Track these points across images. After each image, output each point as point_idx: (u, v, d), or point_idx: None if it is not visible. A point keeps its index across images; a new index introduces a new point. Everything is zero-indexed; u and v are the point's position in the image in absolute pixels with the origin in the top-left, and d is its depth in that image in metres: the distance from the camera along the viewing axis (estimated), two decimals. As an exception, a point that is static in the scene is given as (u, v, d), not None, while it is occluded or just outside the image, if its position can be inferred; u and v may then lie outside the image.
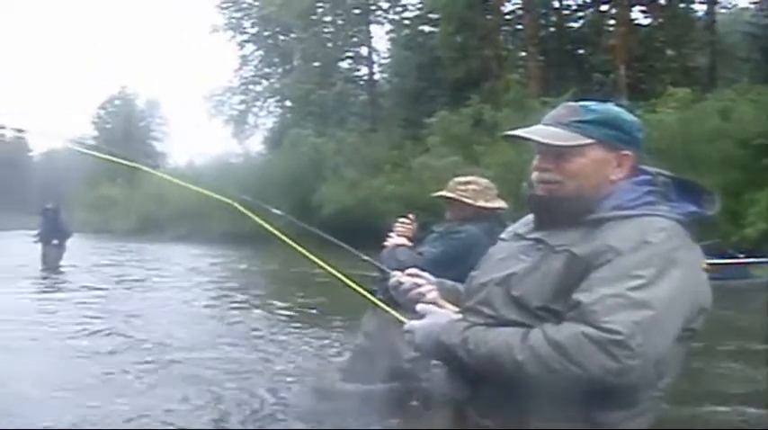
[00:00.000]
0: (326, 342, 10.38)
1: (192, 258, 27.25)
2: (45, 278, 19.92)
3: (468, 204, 6.04)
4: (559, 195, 2.45)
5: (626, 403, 2.29)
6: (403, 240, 6.21)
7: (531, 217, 2.65)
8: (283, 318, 12.99)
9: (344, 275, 3.27)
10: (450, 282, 2.87)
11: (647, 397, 2.32)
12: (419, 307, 2.60)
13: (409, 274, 2.82)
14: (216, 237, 40.01)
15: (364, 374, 6.54)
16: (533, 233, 2.53)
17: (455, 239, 5.93)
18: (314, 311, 13.43)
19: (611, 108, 2.52)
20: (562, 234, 2.39)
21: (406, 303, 2.77)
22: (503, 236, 2.79)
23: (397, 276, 2.83)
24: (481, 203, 6.04)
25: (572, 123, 2.45)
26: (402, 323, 2.74)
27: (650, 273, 2.17)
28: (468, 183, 6.16)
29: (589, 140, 2.43)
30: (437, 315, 2.55)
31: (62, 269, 21.65)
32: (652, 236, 2.25)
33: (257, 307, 14.58)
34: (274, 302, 14.86)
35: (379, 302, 3.36)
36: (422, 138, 37.96)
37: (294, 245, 3.31)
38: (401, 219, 6.36)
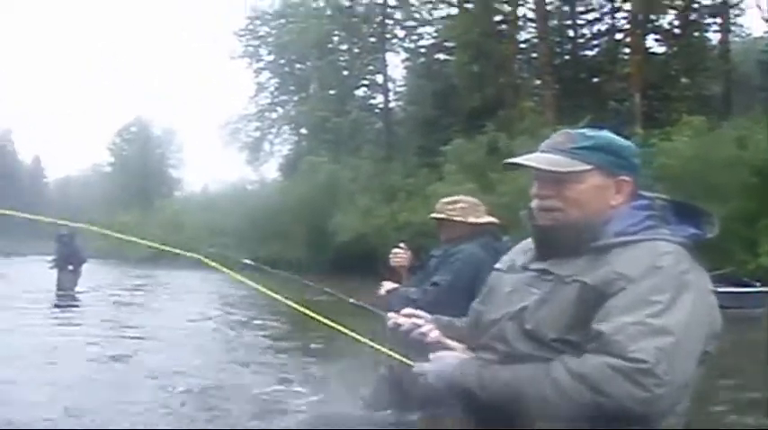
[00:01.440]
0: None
1: (204, 284, 27.16)
2: (60, 303, 19.92)
3: (459, 222, 6.00)
4: (563, 223, 2.44)
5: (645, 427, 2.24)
6: (393, 285, 6.14)
7: (526, 245, 2.65)
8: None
9: (340, 324, 3.28)
10: (445, 318, 2.85)
11: (668, 423, 2.29)
12: (431, 356, 2.57)
13: (405, 315, 2.77)
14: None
15: (389, 403, 6.53)
16: (537, 263, 2.51)
17: (458, 260, 5.87)
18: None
19: (605, 134, 2.53)
20: (568, 263, 2.38)
21: (407, 345, 2.75)
22: (499, 266, 2.77)
23: (393, 318, 2.78)
24: (471, 220, 6.01)
25: (569, 150, 2.45)
26: (409, 365, 2.74)
27: (666, 298, 2.17)
28: (456, 202, 6.13)
29: (587, 166, 2.43)
30: (447, 356, 2.55)
31: (77, 294, 21.69)
32: (661, 260, 2.25)
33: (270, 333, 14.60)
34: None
35: (377, 346, 3.37)
36: (437, 166, 37.94)
37: (276, 296, 3.31)
38: (394, 250, 6.36)
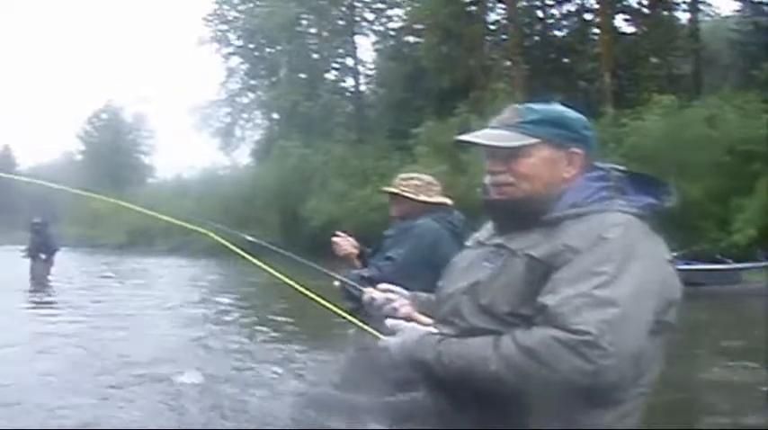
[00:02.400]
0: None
1: (179, 270, 27.12)
2: (33, 291, 19.82)
3: (409, 199, 6.02)
4: (514, 197, 2.46)
5: (611, 403, 2.28)
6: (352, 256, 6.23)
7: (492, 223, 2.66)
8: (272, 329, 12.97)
9: (321, 297, 3.27)
10: (424, 295, 2.85)
11: (631, 395, 2.32)
12: (388, 322, 2.59)
13: (382, 289, 2.80)
14: (205, 250, 39.93)
15: (358, 385, 6.53)
16: (494, 239, 2.53)
17: (414, 235, 5.88)
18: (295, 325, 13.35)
19: (554, 107, 2.58)
20: (522, 237, 2.40)
21: (381, 319, 2.74)
22: (468, 243, 2.80)
23: (369, 292, 2.82)
24: (422, 198, 6.01)
25: (516, 124, 2.49)
26: (377, 337, 2.74)
27: (611, 269, 2.18)
28: (411, 178, 6.16)
29: (533, 140, 2.46)
30: (409, 330, 2.53)
31: (50, 283, 21.57)
32: (608, 231, 2.26)
33: (244, 317, 14.59)
34: (263, 315, 14.84)
35: (352, 318, 3.37)
36: (409, 149, 37.97)
37: (269, 269, 3.31)
38: (333, 239, 6.33)
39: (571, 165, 2.47)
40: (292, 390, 7.81)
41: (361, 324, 3.05)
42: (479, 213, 2.79)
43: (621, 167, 2.52)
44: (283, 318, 13.71)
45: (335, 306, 3.41)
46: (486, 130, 2.56)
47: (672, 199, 2.44)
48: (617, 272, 2.17)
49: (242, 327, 13.48)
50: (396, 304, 2.71)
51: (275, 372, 9.04)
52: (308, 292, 3.26)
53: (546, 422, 2.25)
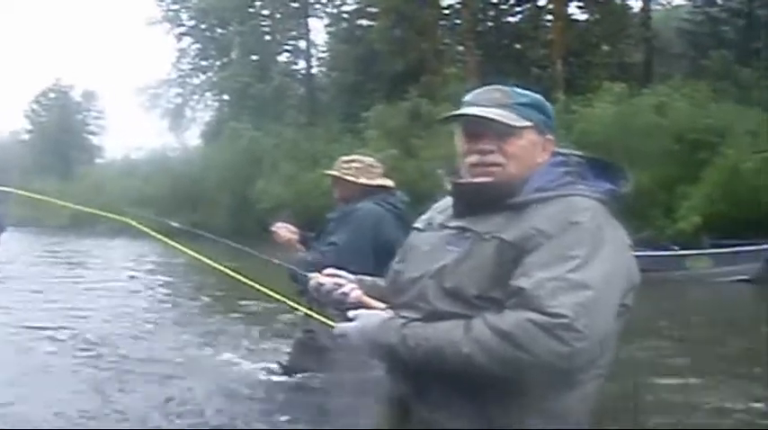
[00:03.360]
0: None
1: (124, 250, 26.91)
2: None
3: (351, 182, 6.14)
4: (501, 179, 2.43)
5: (572, 385, 2.29)
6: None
7: (444, 204, 2.64)
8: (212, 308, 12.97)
9: (264, 286, 3.25)
10: (369, 278, 2.82)
11: (591, 376, 2.33)
12: (351, 314, 2.52)
13: (328, 274, 2.74)
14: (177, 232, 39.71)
15: (307, 367, 6.57)
16: (455, 221, 2.50)
17: (356, 218, 5.98)
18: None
19: (537, 94, 2.56)
20: (487, 220, 2.38)
21: (330, 305, 2.73)
22: (417, 225, 2.74)
23: (315, 278, 2.74)
24: (363, 181, 6.14)
25: (512, 105, 2.46)
26: (331, 327, 2.70)
27: (583, 253, 2.19)
28: (352, 161, 6.29)
29: (527, 122, 2.44)
30: (368, 315, 2.50)
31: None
32: (578, 216, 2.27)
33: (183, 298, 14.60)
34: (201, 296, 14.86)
35: (301, 307, 3.36)
36: (360, 132, 37.96)
37: (202, 258, 3.27)
38: (272, 228, 6.38)
39: (545, 151, 2.49)
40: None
41: (306, 310, 3.02)
42: (431, 196, 2.77)
43: (579, 153, 2.54)
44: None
45: (276, 292, 3.37)
46: (481, 108, 2.47)
47: (628, 185, 2.47)
48: (588, 256, 2.19)
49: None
50: (345, 289, 2.65)
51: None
52: (242, 278, 3.22)
53: (510, 405, 2.27)
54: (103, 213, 3.73)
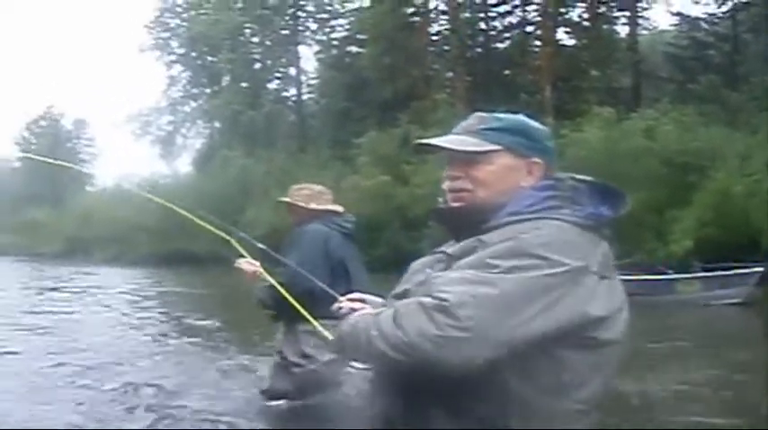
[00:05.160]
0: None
1: (117, 279, 26.88)
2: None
3: (301, 207, 6.68)
4: (470, 204, 2.42)
5: (540, 415, 2.17)
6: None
7: None
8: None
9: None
10: (380, 300, 2.76)
11: (563, 409, 2.19)
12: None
13: (350, 299, 2.69)
14: (143, 259, 39.62)
15: (284, 390, 6.69)
16: (445, 246, 2.48)
17: (302, 241, 6.43)
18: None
19: (518, 117, 2.53)
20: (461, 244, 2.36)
21: None
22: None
23: (338, 302, 2.69)
24: (312, 206, 6.68)
25: (480, 131, 2.45)
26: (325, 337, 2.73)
27: (507, 264, 2.10)
28: (302, 188, 6.86)
29: (496, 147, 2.41)
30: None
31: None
32: (524, 233, 2.18)
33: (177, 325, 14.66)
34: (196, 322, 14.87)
35: (310, 318, 3.43)
36: (351, 159, 38.03)
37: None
38: (236, 265, 6.42)
39: (531, 175, 2.43)
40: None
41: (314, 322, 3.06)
42: (423, 221, 2.79)
43: (579, 176, 2.47)
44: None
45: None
46: (451, 136, 2.51)
47: (624, 208, 2.40)
48: (513, 268, 2.08)
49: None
50: (359, 312, 2.50)
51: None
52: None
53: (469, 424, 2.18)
54: (209, 226, 3.86)
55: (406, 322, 2.05)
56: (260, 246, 5.54)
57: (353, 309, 2.54)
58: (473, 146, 2.42)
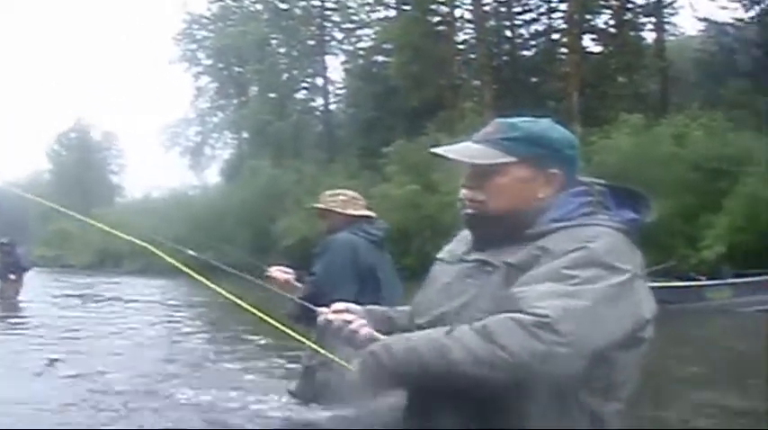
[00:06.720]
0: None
1: (147, 289, 26.95)
2: (3, 312, 19.69)
3: (339, 213, 6.58)
4: (484, 214, 2.40)
5: (582, 408, 2.21)
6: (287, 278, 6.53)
7: (465, 235, 2.59)
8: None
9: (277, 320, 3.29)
10: (379, 309, 2.74)
11: (609, 411, 2.26)
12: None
13: (336, 311, 2.56)
14: (171, 270, 39.72)
15: (314, 394, 6.72)
16: (475, 254, 2.45)
17: (330, 250, 6.40)
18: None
19: (539, 124, 2.46)
20: (503, 252, 2.33)
21: (340, 343, 2.55)
22: (440, 256, 2.68)
23: (324, 315, 2.56)
24: (350, 211, 6.60)
25: (496, 140, 2.40)
26: (343, 366, 2.68)
27: (586, 274, 2.11)
28: (337, 194, 6.76)
29: (511, 158, 2.37)
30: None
31: (20, 302, 21.46)
32: (590, 241, 2.19)
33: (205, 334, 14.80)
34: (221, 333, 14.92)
35: (307, 341, 3.45)
36: (379, 168, 38.07)
37: (219, 290, 3.29)
38: (267, 274, 6.53)
39: (548, 185, 2.39)
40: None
41: (329, 354, 3.03)
42: (452, 229, 2.77)
43: (603, 181, 2.46)
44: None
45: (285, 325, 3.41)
46: (467, 144, 2.48)
47: (651, 213, 2.41)
48: (590, 279, 2.10)
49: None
50: (354, 326, 2.47)
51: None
52: (258, 313, 3.24)
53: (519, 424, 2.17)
54: (125, 236, 3.77)
55: (507, 341, 2.00)
56: (190, 252, 5.32)
57: (347, 322, 2.49)
58: (487, 158, 2.39)
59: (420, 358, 2.12)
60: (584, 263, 2.14)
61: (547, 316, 1.99)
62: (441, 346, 2.09)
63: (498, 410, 2.16)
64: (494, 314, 2.12)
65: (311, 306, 2.68)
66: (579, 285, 2.09)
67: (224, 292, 3.19)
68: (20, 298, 21.88)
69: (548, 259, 2.19)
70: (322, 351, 3.34)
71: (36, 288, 25.78)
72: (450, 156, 2.47)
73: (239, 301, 3.16)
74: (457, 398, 2.18)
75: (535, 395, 2.11)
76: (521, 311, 2.03)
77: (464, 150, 2.46)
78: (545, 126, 2.46)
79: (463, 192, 2.47)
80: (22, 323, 17.57)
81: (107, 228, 4.03)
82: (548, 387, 2.09)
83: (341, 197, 6.72)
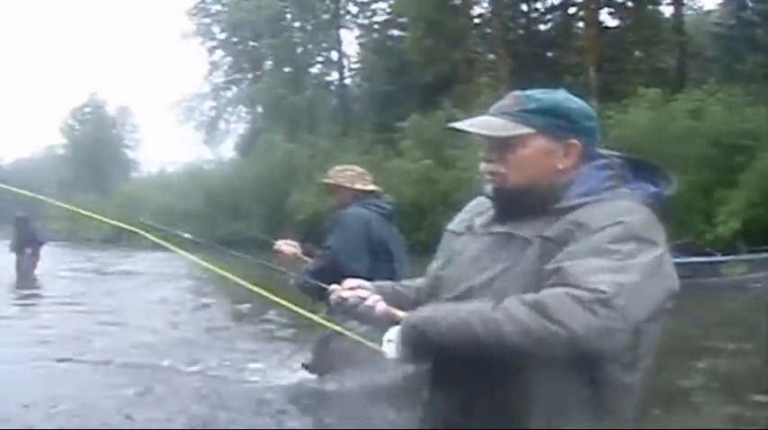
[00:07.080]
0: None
1: (161, 263, 27.02)
2: (19, 286, 19.83)
3: (348, 188, 6.75)
4: (505, 187, 2.41)
5: (612, 380, 2.27)
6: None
7: (479, 206, 2.62)
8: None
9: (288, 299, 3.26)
10: (387, 284, 2.74)
11: (637, 379, 2.33)
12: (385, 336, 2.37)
13: (350, 287, 2.54)
14: (186, 243, 39.78)
15: (329, 365, 6.75)
16: (498, 226, 2.44)
17: (343, 224, 6.54)
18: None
19: (556, 96, 2.46)
20: (530, 224, 2.33)
21: (355, 319, 2.54)
22: (454, 228, 2.67)
23: (337, 292, 2.54)
24: (359, 186, 6.77)
25: (514, 113, 2.41)
26: (355, 340, 2.68)
27: (627, 249, 2.14)
28: (346, 169, 6.95)
29: (530, 130, 2.38)
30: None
31: (36, 277, 21.54)
32: (624, 216, 2.22)
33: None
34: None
35: (321, 320, 3.42)
36: (393, 143, 38.03)
37: (221, 272, 3.27)
38: (275, 248, 6.77)
39: (567, 156, 2.39)
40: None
41: (357, 337, 2.98)
42: (464, 205, 2.73)
43: (621, 154, 2.49)
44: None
45: (294, 304, 3.36)
46: (485, 118, 2.47)
47: (672, 187, 2.44)
48: (631, 253, 2.13)
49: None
50: (369, 302, 2.46)
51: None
52: (261, 291, 3.21)
53: (542, 399, 2.23)
54: (114, 222, 3.74)
55: (564, 317, 2.02)
56: (186, 235, 5.03)
57: (362, 298, 2.47)
58: (506, 130, 2.39)
59: (470, 331, 2.12)
60: (625, 237, 2.17)
61: (604, 291, 2.03)
62: (491, 321, 2.09)
63: (525, 383, 2.22)
64: (526, 288, 2.18)
65: (321, 284, 2.68)
66: (624, 260, 2.12)
67: (229, 274, 3.17)
68: (36, 272, 21.92)
69: (583, 234, 2.21)
70: (332, 325, 3.31)
71: (55, 262, 25.90)
72: (469, 129, 2.45)
73: (244, 282, 3.14)
74: (486, 368, 2.24)
75: (567, 366, 2.18)
76: (575, 286, 2.05)
77: (482, 123, 2.45)
78: (562, 97, 2.46)
79: (483, 165, 2.47)
80: (38, 297, 17.68)
81: (95, 216, 4.05)
82: (585, 360, 2.17)
83: (349, 172, 6.88)
